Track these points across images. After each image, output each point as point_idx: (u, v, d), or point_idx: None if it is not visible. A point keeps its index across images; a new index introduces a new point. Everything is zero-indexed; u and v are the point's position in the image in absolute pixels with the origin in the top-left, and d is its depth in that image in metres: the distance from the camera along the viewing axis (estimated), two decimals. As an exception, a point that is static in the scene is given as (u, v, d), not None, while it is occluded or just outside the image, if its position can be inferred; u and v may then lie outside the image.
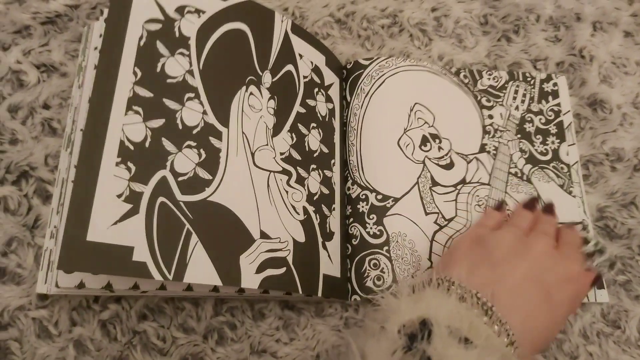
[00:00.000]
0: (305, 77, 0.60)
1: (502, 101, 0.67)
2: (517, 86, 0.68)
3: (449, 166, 0.63)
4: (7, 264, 0.53)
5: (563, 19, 0.73)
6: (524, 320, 0.44)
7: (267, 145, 0.54)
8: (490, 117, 0.67)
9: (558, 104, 0.68)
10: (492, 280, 0.46)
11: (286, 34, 0.59)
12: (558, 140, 0.66)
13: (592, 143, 0.66)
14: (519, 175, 0.64)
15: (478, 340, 0.39)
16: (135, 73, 0.48)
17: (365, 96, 0.65)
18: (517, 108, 0.67)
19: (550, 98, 0.68)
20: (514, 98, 0.68)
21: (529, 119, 0.67)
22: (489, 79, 0.69)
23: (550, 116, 0.67)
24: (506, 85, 0.68)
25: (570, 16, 0.73)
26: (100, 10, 0.64)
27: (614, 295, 0.60)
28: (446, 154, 0.64)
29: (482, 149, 0.65)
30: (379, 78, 0.65)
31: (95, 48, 0.54)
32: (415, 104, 0.65)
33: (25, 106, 0.59)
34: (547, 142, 0.65)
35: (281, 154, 0.55)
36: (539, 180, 0.64)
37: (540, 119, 0.67)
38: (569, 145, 0.66)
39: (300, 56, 0.60)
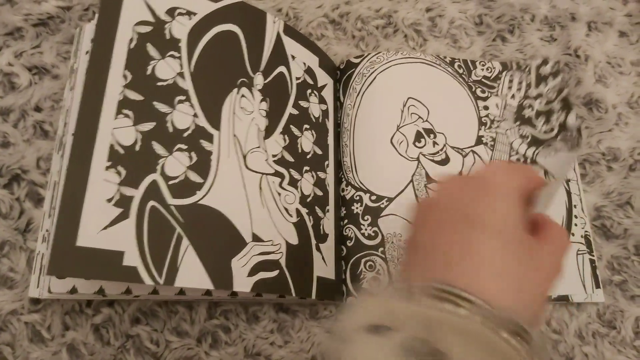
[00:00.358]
0: (297, 79, 0.60)
1: (497, 91, 0.67)
2: (512, 75, 0.68)
3: (445, 161, 0.63)
4: (-1, 268, 0.53)
5: (558, 19, 0.72)
6: (459, 263, 0.37)
7: (259, 147, 0.53)
8: (486, 108, 0.66)
9: (560, 82, 0.67)
10: (408, 249, 0.41)
11: (278, 35, 0.59)
12: (565, 112, 0.65)
13: (588, 142, 0.66)
14: (522, 160, 0.63)
15: (397, 322, 0.34)
16: (125, 76, 0.47)
17: (357, 95, 0.64)
18: (513, 97, 0.66)
19: (550, 79, 0.67)
20: (509, 87, 0.67)
21: (528, 105, 0.66)
22: (483, 69, 0.68)
23: (552, 95, 0.66)
24: (500, 75, 0.68)
25: (565, 16, 0.72)
26: (93, 12, 0.64)
27: (609, 295, 0.60)
28: (441, 149, 0.63)
29: (479, 141, 0.64)
30: (370, 75, 0.65)
31: (87, 52, 0.54)
32: (409, 98, 0.64)
33: (17, 109, 0.58)
34: (551, 120, 0.65)
35: (273, 156, 0.55)
36: (545, 158, 0.63)
37: (540, 102, 0.66)
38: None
39: (293, 57, 0.60)
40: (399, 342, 0.31)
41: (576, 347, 0.58)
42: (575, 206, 0.63)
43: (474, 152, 0.63)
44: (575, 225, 0.62)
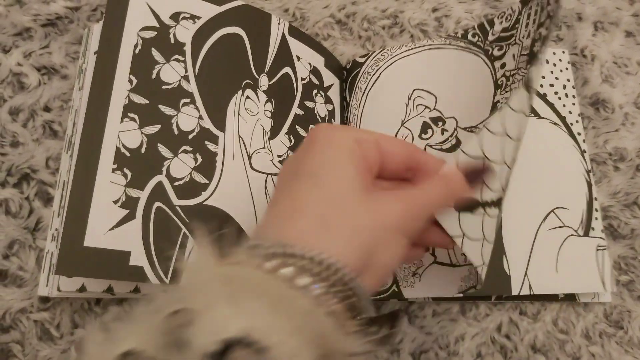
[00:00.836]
0: (303, 79, 0.60)
1: (515, 38, 0.59)
2: (530, 7, 0.57)
3: (455, 147, 0.60)
4: (9, 267, 0.54)
5: (564, 19, 0.72)
6: (267, 214, 0.37)
7: (264, 148, 0.54)
8: (503, 66, 0.60)
9: None
10: None
11: (283, 36, 0.59)
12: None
13: (595, 142, 0.66)
14: None
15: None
16: (130, 81, 0.48)
17: (363, 95, 0.64)
18: (529, 35, 0.57)
19: None
20: (527, 24, 0.57)
21: (538, 35, 0.54)
22: (501, 22, 0.61)
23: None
24: (520, 16, 0.59)
25: (571, 16, 0.72)
26: (101, 12, 0.64)
27: (616, 295, 0.60)
28: (451, 135, 0.61)
29: (494, 108, 0.59)
30: (375, 73, 0.64)
31: (95, 53, 0.55)
32: (414, 90, 0.63)
33: (26, 109, 0.59)
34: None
35: (279, 156, 0.55)
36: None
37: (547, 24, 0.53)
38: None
39: (298, 58, 0.60)
40: (153, 326, 0.28)
41: (583, 347, 0.58)
42: (596, 199, 0.61)
43: None
44: (596, 219, 0.60)
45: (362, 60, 0.65)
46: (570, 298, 0.59)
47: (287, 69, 0.58)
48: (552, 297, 0.59)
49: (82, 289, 0.47)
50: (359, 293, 0.33)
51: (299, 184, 0.37)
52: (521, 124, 0.45)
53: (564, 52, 0.67)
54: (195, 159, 0.49)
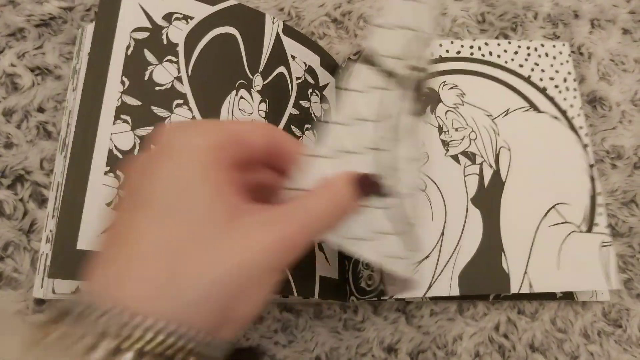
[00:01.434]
0: (298, 79, 0.59)
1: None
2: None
3: None
4: (4, 269, 0.54)
5: (561, 16, 0.72)
6: (100, 260, 0.29)
7: (258, 149, 0.53)
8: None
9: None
10: None
11: (277, 35, 0.58)
12: None
13: (592, 140, 0.66)
14: None
15: None
16: (123, 82, 0.48)
17: None
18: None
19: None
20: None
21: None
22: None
23: None
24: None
25: (568, 13, 0.72)
26: (95, 12, 0.64)
27: (615, 293, 0.60)
28: None
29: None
30: None
31: (89, 53, 0.54)
32: None
33: (20, 110, 0.59)
34: None
35: (274, 157, 0.55)
36: None
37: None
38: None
39: (293, 57, 0.59)
40: None
41: (581, 346, 0.58)
42: (599, 193, 0.60)
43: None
44: (600, 214, 0.59)
45: (356, 58, 0.65)
46: (569, 297, 0.59)
47: (281, 69, 0.58)
48: (550, 296, 0.58)
49: (77, 291, 0.47)
50: (211, 354, 0.28)
51: (141, 218, 0.29)
52: (383, 100, 0.39)
53: (564, 44, 0.67)
54: (189, 161, 0.49)
